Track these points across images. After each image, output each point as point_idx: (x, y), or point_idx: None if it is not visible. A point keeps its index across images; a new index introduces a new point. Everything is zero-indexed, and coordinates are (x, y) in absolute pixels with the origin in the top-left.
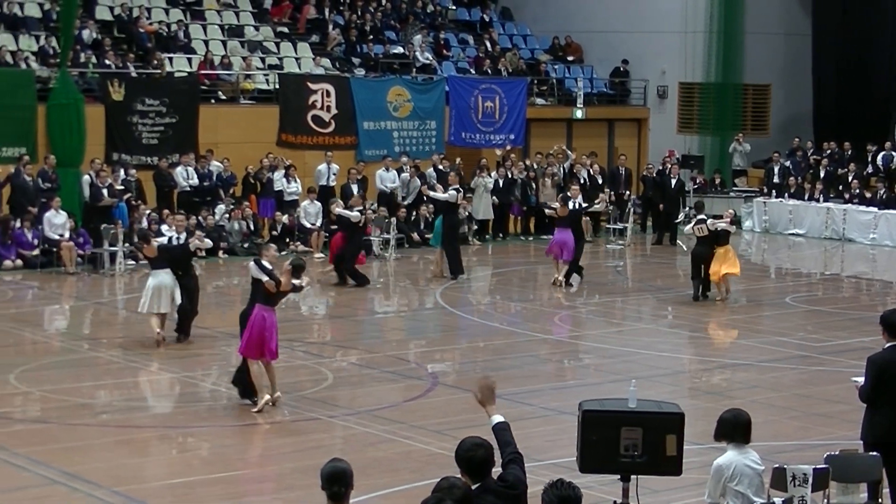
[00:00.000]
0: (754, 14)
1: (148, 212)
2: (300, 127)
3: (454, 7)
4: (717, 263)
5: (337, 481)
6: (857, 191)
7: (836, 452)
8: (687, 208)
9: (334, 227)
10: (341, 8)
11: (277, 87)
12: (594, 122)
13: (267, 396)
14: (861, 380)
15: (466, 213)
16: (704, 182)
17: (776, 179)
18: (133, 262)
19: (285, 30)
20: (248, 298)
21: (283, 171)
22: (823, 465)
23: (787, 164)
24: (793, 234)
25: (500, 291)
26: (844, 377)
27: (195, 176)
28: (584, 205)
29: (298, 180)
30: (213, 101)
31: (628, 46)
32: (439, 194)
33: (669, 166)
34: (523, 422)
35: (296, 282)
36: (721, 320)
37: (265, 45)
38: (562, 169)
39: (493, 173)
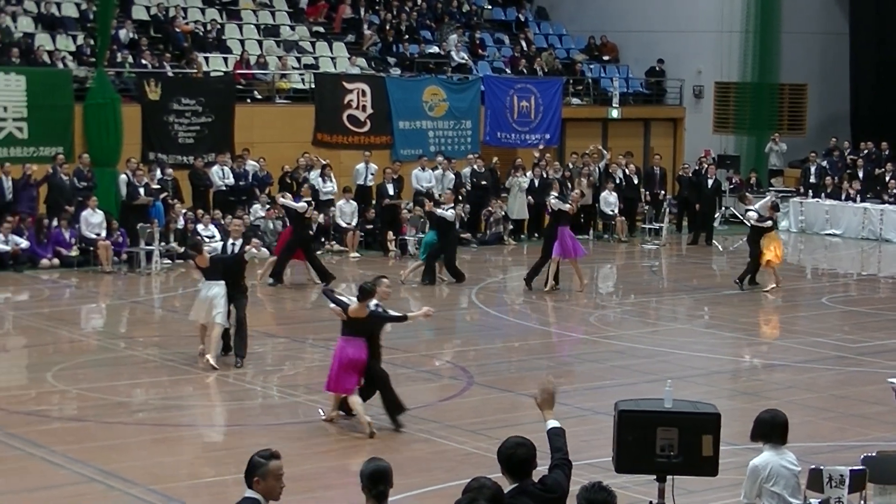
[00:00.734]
0: (791, 13)
1: (184, 211)
2: (336, 126)
3: (490, 7)
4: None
5: (381, 480)
6: (895, 191)
7: (873, 453)
8: (723, 208)
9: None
10: (377, 7)
11: (313, 86)
12: (630, 121)
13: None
14: None
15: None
16: (741, 182)
17: (813, 179)
18: (169, 262)
19: (321, 29)
20: (285, 299)
21: (319, 171)
22: (860, 467)
23: (824, 163)
24: (829, 235)
25: (535, 291)
26: (881, 378)
27: (231, 175)
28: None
29: (334, 180)
30: (248, 100)
31: (664, 46)
32: (445, 212)
33: (706, 166)
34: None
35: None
36: (757, 320)
37: (301, 44)
38: (597, 169)
39: (529, 173)
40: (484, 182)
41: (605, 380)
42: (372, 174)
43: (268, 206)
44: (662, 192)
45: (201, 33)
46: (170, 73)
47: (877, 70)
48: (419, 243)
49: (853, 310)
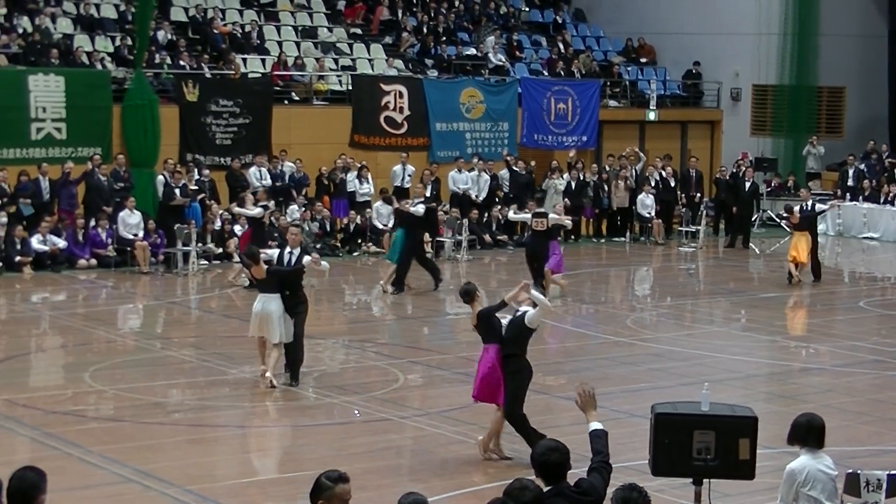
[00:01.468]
0: (829, 16)
1: (221, 212)
2: (373, 128)
3: (527, 9)
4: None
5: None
6: None
7: None
8: (761, 211)
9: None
10: (414, 9)
11: (350, 88)
12: (667, 124)
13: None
14: None
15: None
16: (778, 185)
17: (850, 182)
18: (206, 262)
19: (358, 31)
20: (321, 299)
21: (356, 172)
22: None
23: (862, 167)
24: (867, 238)
25: (572, 293)
26: None
27: (268, 176)
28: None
29: (371, 181)
30: (286, 101)
31: (702, 48)
32: (415, 208)
33: (743, 169)
34: None
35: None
36: (794, 324)
37: (338, 46)
38: (634, 171)
39: (566, 175)
40: (525, 183)
41: (641, 382)
42: (409, 175)
43: (304, 207)
44: (699, 194)
45: (239, 35)
46: (208, 75)
47: None
48: (456, 245)
49: (891, 313)
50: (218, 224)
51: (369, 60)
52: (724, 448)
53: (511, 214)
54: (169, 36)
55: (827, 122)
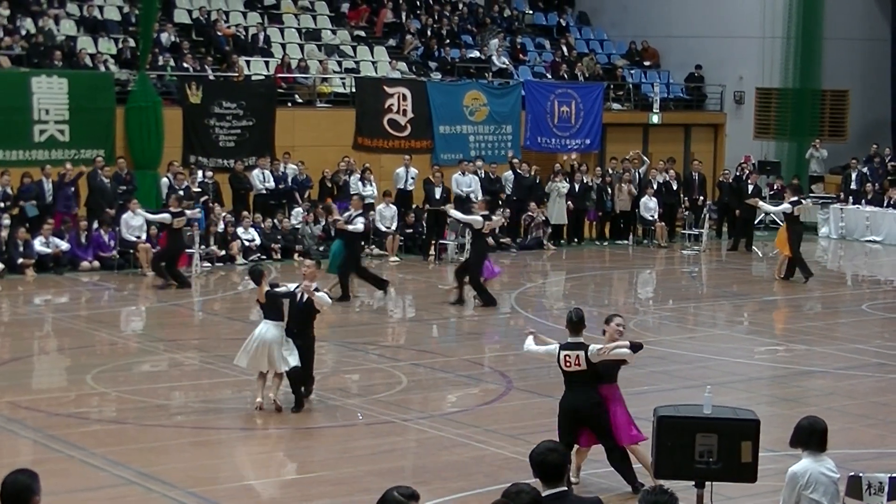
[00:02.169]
0: (833, 19)
1: (224, 214)
2: (376, 130)
3: (531, 11)
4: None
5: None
6: None
7: None
8: (764, 214)
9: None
10: (418, 12)
11: (354, 90)
12: (670, 127)
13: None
14: None
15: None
16: (782, 188)
17: (853, 186)
18: (209, 265)
19: (362, 33)
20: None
21: (359, 175)
22: None
23: (865, 170)
24: (870, 241)
25: (575, 296)
26: None
27: (271, 179)
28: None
29: (374, 183)
30: (289, 104)
31: (706, 51)
32: (357, 225)
33: (747, 172)
34: None
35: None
36: (797, 327)
37: (342, 48)
38: (637, 174)
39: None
40: (529, 185)
41: (644, 385)
42: (412, 178)
43: (307, 210)
44: (702, 197)
45: (243, 37)
46: (211, 77)
47: None
48: (459, 247)
49: (893, 317)
50: (221, 226)
51: (373, 63)
52: (726, 451)
53: (452, 211)
54: (172, 38)
55: (830, 126)
